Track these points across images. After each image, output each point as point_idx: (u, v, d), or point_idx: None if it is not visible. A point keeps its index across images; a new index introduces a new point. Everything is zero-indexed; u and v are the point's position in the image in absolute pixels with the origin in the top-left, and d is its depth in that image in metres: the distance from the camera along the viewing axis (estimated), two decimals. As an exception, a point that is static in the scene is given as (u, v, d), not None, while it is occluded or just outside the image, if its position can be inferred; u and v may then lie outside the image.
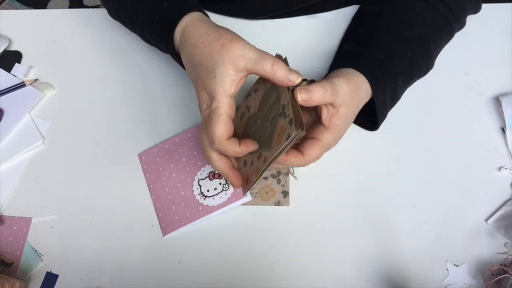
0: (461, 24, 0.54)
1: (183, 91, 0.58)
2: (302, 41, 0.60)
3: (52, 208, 0.52)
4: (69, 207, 0.52)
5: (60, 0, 1.55)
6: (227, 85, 0.40)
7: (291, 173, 0.51)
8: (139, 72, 0.60)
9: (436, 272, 0.46)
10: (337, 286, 0.46)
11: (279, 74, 0.39)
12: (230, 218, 0.50)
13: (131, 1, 0.51)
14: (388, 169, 0.51)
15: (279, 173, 0.51)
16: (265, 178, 0.51)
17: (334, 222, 0.49)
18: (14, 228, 0.51)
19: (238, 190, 0.49)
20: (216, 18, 0.62)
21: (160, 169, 0.53)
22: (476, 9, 0.55)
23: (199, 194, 0.50)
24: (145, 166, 0.53)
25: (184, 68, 0.47)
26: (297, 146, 0.43)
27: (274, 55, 0.43)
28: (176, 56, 0.48)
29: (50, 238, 0.50)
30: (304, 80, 0.41)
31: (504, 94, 0.54)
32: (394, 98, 0.49)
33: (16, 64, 0.61)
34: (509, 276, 0.43)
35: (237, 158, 0.47)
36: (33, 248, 0.50)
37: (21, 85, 0.59)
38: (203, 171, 0.52)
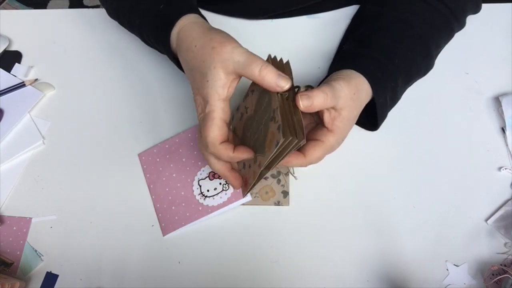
0: (461, 24, 0.54)
1: (183, 91, 0.58)
2: (302, 41, 0.60)
3: (52, 208, 0.52)
4: (69, 207, 0.52)
5: (60, 0, 1.55)
6: (219, 88, 0.40)
7: (291, 173, 0.51)
8: (139, 72, 0.60)
9: (436, 272, 0.46)
10: (337, 286, 0.46)
11: (267, 79, 0.38)
12: (230, 218, 0.50)
13: (130, 1, 0.51)
14: (388, 169, 0.51)
15: (279, 173, 0.51)
16: (265, 178, 0.51)
17: (334, 222, 0.49)
18: (14, 228, 0.51)
19: (238, 191, 0.49)
20: (216, 18, 0.62)
21: (160, 169, 0.53)
22: (476, 9, 0.55)
23: (199, 194, 0.50)
24: (145, 166, 0.53)
25: (182, 70, 0.47)
26: (299, 147, 0.43)
27: (273, 56, 0.43)
28: (174, 58, 0.47)
29: (50, 238, 0.50)
30: (297, 86, 0.41)
31: (504, 94, 0.54)
32: (394, 98, 0.49)
33: (16, 64, 0.61)
34: (509, 276, 0.43)
35: None
36: (33, 248, 0.50)
37: (21, 85, 0.59)
38: (203, 171, 0.52)
